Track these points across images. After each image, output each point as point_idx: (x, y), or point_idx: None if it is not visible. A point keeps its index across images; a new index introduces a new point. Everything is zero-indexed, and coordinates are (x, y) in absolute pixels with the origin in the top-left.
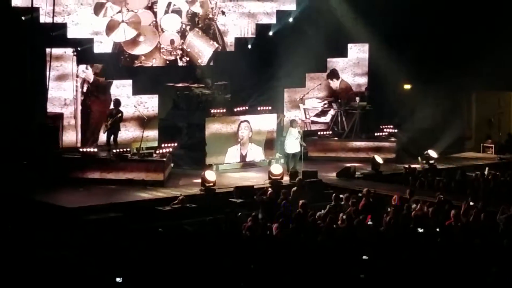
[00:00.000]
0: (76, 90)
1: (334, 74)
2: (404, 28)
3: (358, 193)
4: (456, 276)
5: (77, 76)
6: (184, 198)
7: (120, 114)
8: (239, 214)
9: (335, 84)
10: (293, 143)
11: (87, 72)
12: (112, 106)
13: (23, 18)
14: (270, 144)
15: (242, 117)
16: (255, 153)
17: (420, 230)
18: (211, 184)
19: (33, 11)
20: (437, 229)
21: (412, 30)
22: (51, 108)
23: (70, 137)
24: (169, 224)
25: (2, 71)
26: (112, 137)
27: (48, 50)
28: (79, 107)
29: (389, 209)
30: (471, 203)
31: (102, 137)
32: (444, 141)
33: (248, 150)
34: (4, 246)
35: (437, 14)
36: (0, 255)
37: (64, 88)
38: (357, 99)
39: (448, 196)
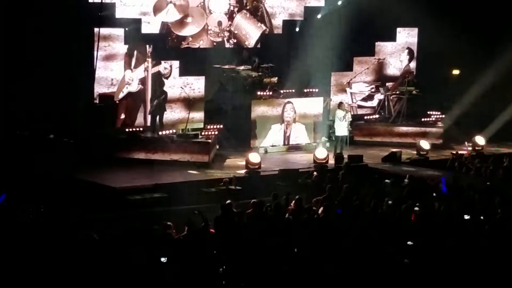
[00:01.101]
0: (147, 76)
1: (411, 53)
2: (455, 12)
3: (404, 179)
4: (503, 264)
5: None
6: (233, 178)
7: (163, 96)
8: (285, 197)
9: (403, 63)
10: (340, 126)
11: (168, 68)
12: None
13: None
14: (316, 127)
15: (287, 99)
16: (299, 133)
17: (467, 217)
18: (256, 166)
19: None
20: (482, 217)
21: (463, 14)
22: (98, 88)
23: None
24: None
25: (51, 51)
26: (157, 118)
27: (96, 30)
28: (125, 87)
29: (434, 194)
30: None
31: (140, 119)
32: (493, 127)
33: (292, 130)
34: (40, 226)
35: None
36: (36, 236)
37: (111, 68)
38: (405, 83)
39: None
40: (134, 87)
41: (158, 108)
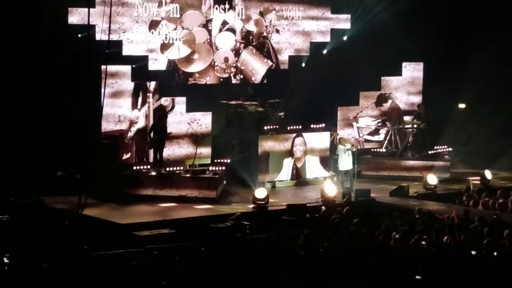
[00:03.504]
0: (149, 111)
1: (382, 99)
2: (459, 48)
3: (412, 212)
4: None
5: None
6: (240, 215)
7: (164, 132)
8: (292, 232)
9: (385, 107)
10: (345, 160)
11: (168, 100)
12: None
13: (79, 35)
14: (324, 161)
15: (296, 133)
16: (312, 166)
17: (473, 252)
18: (263, 202)
19: (89, 29)
20: (492, 251)
21: (467, 49)
22: (105, 124)
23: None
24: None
25: (58, 88)
26: (158, 154)
27: (103, 67)
28: (132, 125)
29: (446, 228)
30: None
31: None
32: (501, 161)
33: (304, 163)
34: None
35: (490, 31)
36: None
37: (118, 105)
38: (411, 117)
39: (503, 216)
40: (141, 124)
41: (158, 144)
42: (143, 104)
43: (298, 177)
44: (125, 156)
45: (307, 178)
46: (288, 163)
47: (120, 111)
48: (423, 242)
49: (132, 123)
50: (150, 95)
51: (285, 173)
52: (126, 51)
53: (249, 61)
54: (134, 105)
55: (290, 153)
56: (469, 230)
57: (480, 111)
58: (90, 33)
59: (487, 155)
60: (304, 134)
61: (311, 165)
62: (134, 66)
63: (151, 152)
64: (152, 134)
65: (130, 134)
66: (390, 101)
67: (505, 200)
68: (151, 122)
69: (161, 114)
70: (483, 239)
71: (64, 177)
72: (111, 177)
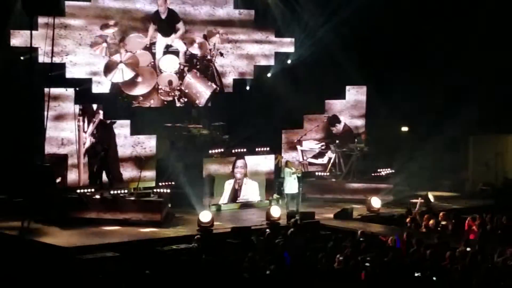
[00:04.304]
0: (78, 130)
1: (336, 119)
2: (402, 70)
3: (356, 234)
4: None
5: (80, 115)
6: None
7: (104, 152)
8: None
9: (338, 128)
10: (290, 184)
11: (100, 113)
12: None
13: (21, 58)
14: (268, 185)
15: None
16: (250, 189)
17: (417, 274)
18: (208, 224)
19: (31, 51)
20: (433, 273)
21: (410, 73)
22: (49, 148)
23: (74, 177)
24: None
25: (1, 111)
26: (104, 175)
27: (46, 90)
28: (82, 147)
29: (389, 251)
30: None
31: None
32: (443, 183)
33: (243, 186)
34: None
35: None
36: None
37: (62, 128)
38: (355, 141)
39: (445, 238)
40: (87, 144)
41: (100, 164)
42: (88, 126)
43: (235, 199)
44: (71, 179)
45: (251, 201)
46: (228, 185)
47: (64, 134)
48: (367, 264)
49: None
50: (97, 115)
51: (226, 196)
52: (69, 73)
53: (193, 84)
54: (82, 130)
55: (231, 175)
56: (412, 252)
57: (421, 132)
58: (33, 55)
59: (429, 176)
60: (247, 156)
61: (248, 188)
62: (77, 88)
63: (100, 171)
64: (95, 152)
65: (84, 159)
66: (343, 123)
67: (448, 222)
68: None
69: (101, 134)
70: (425, 261)
71: (5, 201)
72: (54, 200)
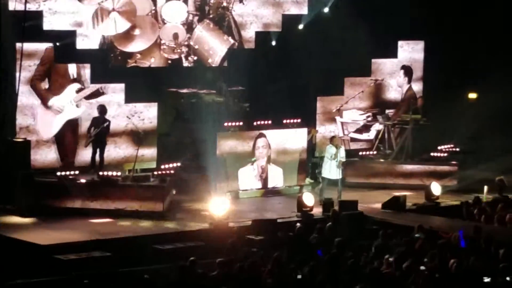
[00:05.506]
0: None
1: (408, 73)
2: (469, 22)
3: (410, 230)
4: None
5: None
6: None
7: (106, 124)
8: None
9: (403, 87)
10: (329, 166)
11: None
12: (96, 114)
13: None
14: (300, 166)
15: (259, 131)
16: (276, 172)
17: (487, 279)
18: (223, 216)
19: None
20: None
21: (480, 23)
22: (21, 119)
23: (47, 155)
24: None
25: None
26: (98, 154)
27: (18, 45)
28: None
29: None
30: None
31: (81, 156)
32: None
33: (268, 173)
34: None
35: None
36: None
37: None
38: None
39: None
40: (70, 114)
41: (98, 141)
42: (59, 89)
43: (265, 185)
44: (47, 159)
45: (277, 186)
46: (251, 168)
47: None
48: (423, 267)
49: (52, 116)
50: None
51: (250, 180)
52: (48, 24)
53: (205, 38)
54: (52, 91)
55: (252, 154)
56: (480, 252)
57: (496, 102)
58: (2, 2)
59: (503, 157)
60: (272, 132)
61: (273, 170)
62: (58, 44)
63: (86, 152)
64: (92, 129)
65: (56, 129)
66: (406, 86)
67: None
68: (82, 111)
69: (102, 104)
70: (498, 263)
71: None
72: (28, 185)
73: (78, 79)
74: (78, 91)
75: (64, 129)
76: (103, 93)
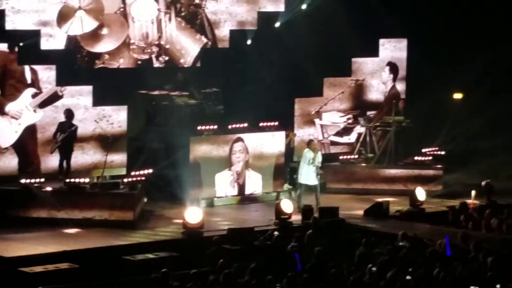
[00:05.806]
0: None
1: (394, 70)
2: (454, 19)
3: (394, 238)
4: None
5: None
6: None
7: (73, 128)
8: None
9: (387, 85)
10: (307, 171)
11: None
12: (63, 119)
13: None
14: (277, 171)
15: (236, 135)
16: (253, 178)
17: None
18: (197, 225)
19: None
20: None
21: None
22: None
23: (10, 162)
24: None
25: None
26: (65, 161)
27: None
28: None
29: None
30: None
31: (47, 163)
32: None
33: (246, 179)
34: None
35: None
36: None
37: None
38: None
39: None
40: (29, 119)
41: (64, 146)
42: (13, 93)
43: (241, 192)
44: (10, 166)
45: (254, 193)
46: (224, 173)
47: None
48: (408, 277)
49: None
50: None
51: (224, 187)
52: (11, 24)
53: (176, 37)
54: (6, 96)
55: (228, 159)
56: (467, 260)
57: (483, 103)
58: None
59: (490, 159)
60: (249, 135)
61: (250, 177)
62: (21, 44)
63: (52, 158)
64: (59, 134)
65: (16, 135)
66: (390, 83)
67: None
68: (40, 116)
69: (69, 108)
70: (486, 271)
71: None
72: None
73: (33, 84)
74: (34, 95)
75: (24, 136)
76: (62, 96)
